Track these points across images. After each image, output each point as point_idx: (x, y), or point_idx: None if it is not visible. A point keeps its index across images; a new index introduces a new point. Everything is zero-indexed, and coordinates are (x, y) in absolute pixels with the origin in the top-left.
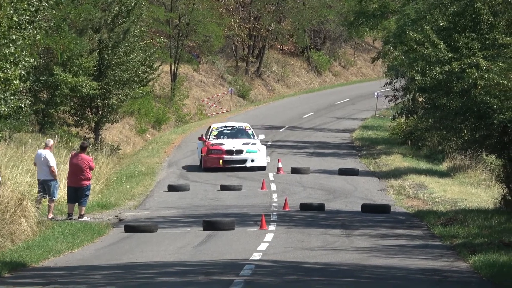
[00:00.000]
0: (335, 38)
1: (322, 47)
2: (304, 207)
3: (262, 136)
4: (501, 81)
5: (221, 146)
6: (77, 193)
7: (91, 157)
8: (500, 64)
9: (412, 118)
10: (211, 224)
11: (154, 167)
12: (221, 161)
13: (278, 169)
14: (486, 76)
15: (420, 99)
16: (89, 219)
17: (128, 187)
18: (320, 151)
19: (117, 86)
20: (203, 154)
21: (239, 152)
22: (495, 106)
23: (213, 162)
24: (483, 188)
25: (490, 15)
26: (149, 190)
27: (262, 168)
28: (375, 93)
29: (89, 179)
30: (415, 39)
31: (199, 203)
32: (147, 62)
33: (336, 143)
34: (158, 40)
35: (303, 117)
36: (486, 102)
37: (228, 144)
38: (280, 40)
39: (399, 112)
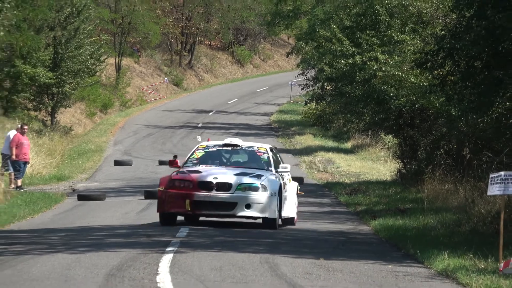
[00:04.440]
0: (255, 35)
1: (244, 43)
2: None
3: (286, 167)
4: (396, 73)
5: (192, 174)
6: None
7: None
8: (396, 58)
9: (321, 103)
10: (151, 194)
11: (102, 145)
12: (188, 202)
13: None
14: (384, 68)
15: (328, 87)
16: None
17: (80, 162)
18: (244, 131)
19: (69, 76)
20: (160, 188)
21: (224, 187)
22: (391, 94)
23: (173, 203)
24: (381, 163)
25: (387, 15)
26: (98, 165)
27: (269, 224)
28: (290, 82)
29: None
30: (324, 36)
31: (141, 176)
32: (95, 56)
33: (257, 125)
34: (104, 37)
35: (229, 102)
36: (384, 90)
37: (208, 172)
38: (208, 37)
39: (310, 98)
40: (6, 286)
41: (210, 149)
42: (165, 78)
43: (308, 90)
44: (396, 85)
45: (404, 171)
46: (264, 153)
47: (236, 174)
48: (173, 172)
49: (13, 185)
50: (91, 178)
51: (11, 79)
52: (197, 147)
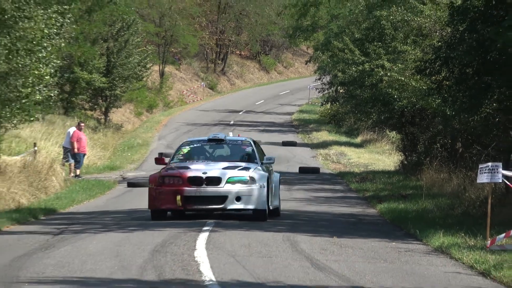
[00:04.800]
0: (279, 46)
1: (269, 53)
2: None
3: (270, 159)
4: (399, 78)
5: (181, 170)
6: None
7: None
8: (399, 65)
9: (335, 104)
10: (132, 184)
11: (148, 140)
12: (179, 197)
13: None
14: (389, 74)
15: (341, 91)
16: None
17: (129, 154)
18: (269, 128)
19: (120, 81)
20: (151, 186)
21: (214, 181)
22: (395, 96)
23: (164, 200)
24: (386, 156)
25: (391, 29)
26: (145, 157)
27: (258, 215)
28: (308, 86)
29: None
30: (337, 47)
31: None
32: (142, 63)
33: (280, 123)
34: (149, 47)
35: (256, 103)
36: (389, 93)
37: (197, 167)
38: (238, 48)
39: (325, 100)
40: (66, 259)
41: (195, 145)
42: (202, 83)
43: (324, 93)
44: (399, 88)
45: (405, 162)
46: (248, 146)
47: (224, 168)
48: (162, 169)
49: (72, 174)
50: (138, 168)
51: (71, 84)
52: (182, 144)
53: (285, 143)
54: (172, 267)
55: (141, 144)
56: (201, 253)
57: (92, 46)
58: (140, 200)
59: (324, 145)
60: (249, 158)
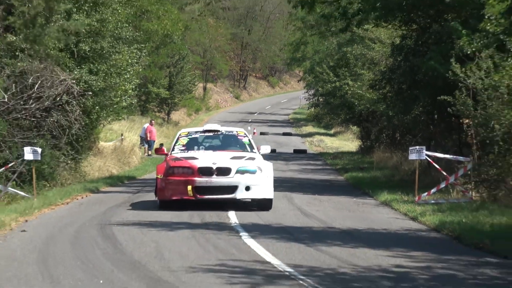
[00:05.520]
0: (281, 70)
1: (274, 75)
2: None
3: (267, 149)
4: (358, 91)
5: (190, 161)
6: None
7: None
8: (359, 83)
9: (316, 108)
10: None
11: None
12: (190, 188)
13: (254, 133)
14: (352, 89)
15: (320, 100)
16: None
17: None
18: (274, 124)
19: (177, 93)
20: (159, 176)
21: (224, 171)
22: (356, 103)
23: (175, 190)
24: (350, 142)
25: (354, 59)
26: None
27: (265, 204)
28: (300, 96)
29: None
30: (319, 71)
31: None
32: (191, 82)
33: (281, 120)
34: (196, 71)
35: (266, 108)
36: (352, 101)
37: (205, 157)
38: (254, 72)
39: (310, 105)
40: (141, 210)
41: (193, 135)
42: (230, 94)
43: (309, 101)
44: (358, 98)
45: (362, 146)
46: (244, 136)
47: (232, 158)
48: (168, 159)
49: (146, 154)
50: None
51: (145, 95)
52: (180, 134)
53: (285, 133)
54: (211, 215)
55: None
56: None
57: (159, 71)
58: None
59: (310, 135)
60: (247, 147)
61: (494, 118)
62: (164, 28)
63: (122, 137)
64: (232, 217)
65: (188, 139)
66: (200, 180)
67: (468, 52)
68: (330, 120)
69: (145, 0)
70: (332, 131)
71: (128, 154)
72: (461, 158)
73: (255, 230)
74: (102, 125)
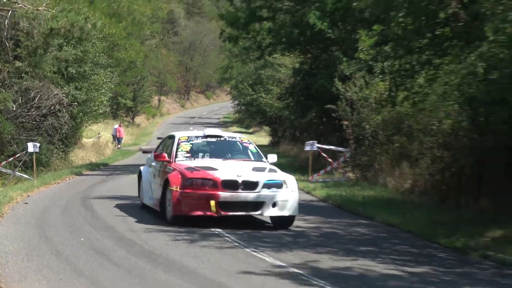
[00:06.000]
0: (214, 86)
1: (210, 90)
2: None
3: (274, 158)
4: (270, 102)
5: (211, 172)
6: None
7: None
8: (270, 96)
9: (239, 114)
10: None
11: (152, 130)
12: (213, 203)
13: (191, 129)
14: (265, 100)
15: (242, 107)
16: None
17: (143, 138)
18: (208, 125)
19: (139, 103)
20: (173, 188)
21: (251, 185)
22: (268, 110)
23: (195, 205)
24: (263, 137)
25: (266, 79)
26: (150, 139)
27: (288, 222)
28: (228, 105)
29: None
30: (241, 87)
31: None
32: (150, 95)
33: (214, 122)
34: (153, 88)
35: (203, 114)
36: (265, 109)
37: (227, 169)
38: (195, 87)
39: (235, 112)
40: (112, 187)
41: (195, 141)
42: (178, 104)
43: (234, 108)
44: (269, 106)
45: (272, 141)
46: (249, 143)
47: (254, 170)
48: (180, 169)
49: (116, 147)
50: (147, 144)
51: (116, 105)
52: (179, 139)
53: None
54: None
55: (149, 133)
56: None
57: (126, 87)
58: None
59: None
60: (257, 156)
61: (365, 120)
62: (130, 57)
63: (99, 135)
64: None
65: (191, 145)
66: (225, 194)
67: (347, 74)
68: (249, 122)
69: (116, 36)
70: (251, 130)
71: (103, 147)
72: (341, 149)
73: None
74: (84, 126)
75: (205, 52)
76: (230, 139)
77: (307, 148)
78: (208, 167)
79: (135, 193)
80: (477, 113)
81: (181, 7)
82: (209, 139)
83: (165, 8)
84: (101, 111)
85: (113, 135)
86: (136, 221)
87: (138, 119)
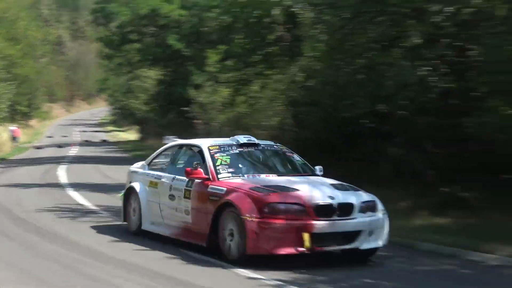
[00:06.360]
0: (95, 95)
1: (91, 97)
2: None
3: (321, 170)
4: (138, 106)
5: (294, 193)
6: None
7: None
8: (138, 101)
9: (114, 116)
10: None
11: (43, 131)
12: (306, 236)
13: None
14: (133, 105)
15: (118, 111)
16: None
17: (36, 136)
18: (90, 126)
19: (33, 109)
20: (247, 217)
21: (347, 210)
22: (136, 112)
23: (282, 240)
24: (133, 135)
25: (136, 88)
26: (41, 138)
27: (371, 254)
28: (105, 110)
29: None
30: (116, 95)
31: (56, 141)
32: (42, 102)
33: (94, 123)
34: (45, 96)
35: (85, 116)
36: (135, 112)
37: (311, 188)
38: (78, 96)
39: (110, 114)
40: (10, 177)
41: (231, 151)
42: (64, 109)
43: (111, 111)
44: (139, 110)
45: (141, 137)
46: (290, 152)
47: (333, 188)
48: (247, 190)
49: (14, 144)
50: (39, 141)
51: (14, 112)
52: (209, 149)
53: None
54: (51, 177)
55: (41, 132)
56: None
57: (22, 96)
58: (41, 154)
59: (110, 131)
60: (307, 169)
61: (213, 119)
62: (25, 72)
63: None
64: (63, 178)
65: (229, 157)
66: (320, 224)
67: (199, 83)
68: (122, 123)
69: (13, 56)
70: (125, 129)
71: (2, 144)
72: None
73: (77, 186)
74: None
75: (87, 67)
76: (269, 147)
77: (165, 141)
78: (280, 186)
79: (29, 181)
80: (298, 112)
81: (67, 32)
82: (244, 148)
83: (54, 33)
84: (1, 116)
85: (10, 136)
86: (29, 204)
87: (32, 122)
